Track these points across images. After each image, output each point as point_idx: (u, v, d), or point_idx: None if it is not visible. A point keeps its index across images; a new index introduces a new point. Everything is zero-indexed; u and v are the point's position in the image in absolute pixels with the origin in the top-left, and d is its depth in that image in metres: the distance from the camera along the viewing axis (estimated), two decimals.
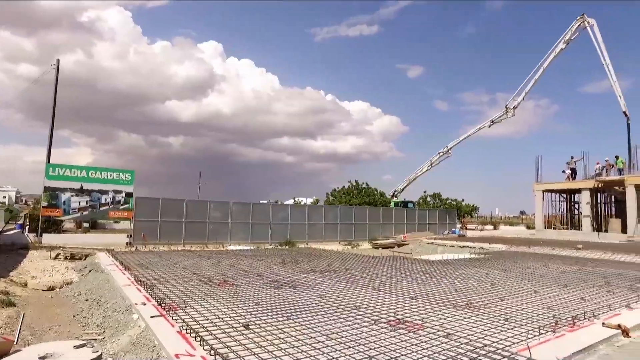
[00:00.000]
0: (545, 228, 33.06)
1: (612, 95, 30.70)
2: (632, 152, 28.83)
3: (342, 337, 5.09)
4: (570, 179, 32.15)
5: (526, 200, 35.15)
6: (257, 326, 5.55)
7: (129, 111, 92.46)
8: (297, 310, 6.53)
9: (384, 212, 29.04)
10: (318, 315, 6.22)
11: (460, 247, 21.06)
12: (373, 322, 5.83)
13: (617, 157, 29.28)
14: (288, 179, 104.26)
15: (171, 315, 5.99)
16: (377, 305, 6.97)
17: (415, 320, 5.97)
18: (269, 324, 5.63)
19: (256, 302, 7.03)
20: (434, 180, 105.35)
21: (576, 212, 33.95)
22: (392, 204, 40.07)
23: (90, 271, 11.65)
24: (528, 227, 46.33)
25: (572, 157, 32.69)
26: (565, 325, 5.77)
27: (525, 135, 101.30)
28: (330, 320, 5.92)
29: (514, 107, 36.23)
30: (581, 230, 30.67)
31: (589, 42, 32.08)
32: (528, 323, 5.89)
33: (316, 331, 5.33)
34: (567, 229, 32.86)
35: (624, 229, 27.04)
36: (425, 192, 45.91)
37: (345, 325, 5.62)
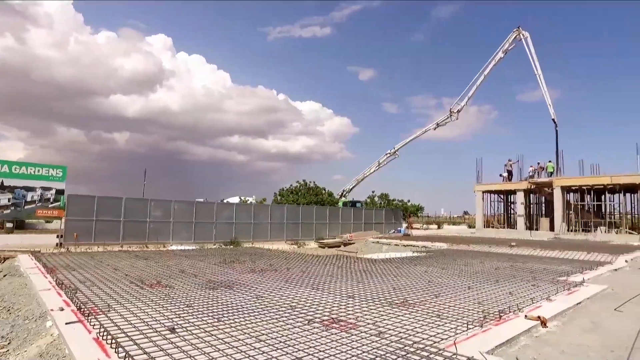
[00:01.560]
0: (484, 227, 34.83)
1: (544, 103, 32.97)
2: (559, 156, 31.09)
3: (273, 338, 4.93)
4: (507, 180, 34.11)
5: (469, 200, 36.85)
6: (184, 329, 5.25)
7: (68, 104, 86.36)
8: (230, 311, 6.28)
9: (331, 211, 29.20)
10: (251, 316, 6.01)
11: (404, 245, 21.60)
12: (307, 322, 5.71)
13: (550, 162, 31.44)
14: (240, 178, 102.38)
15: (90, 320, 5.53)
16: (314, 304, 6.87)
17: (350, 319, 5.92)
18: (197, 327, 5.35)
19: (187, 304, 6.69)
20: (382, 180, 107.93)
21: (512, 211, 36.08)
22: (340, 204, 40.48)
23: (5, 276, 10.62)
24: (469, 227, 48.63)
25: (509, 160, 34.73)
26: (492, 320, 5.97)
27: (468, 138, 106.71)
28: (263, 321, 5.73)
29: (458, 111, 37.91)
30: (516, 228, 32.62)
31: (527, 54, 34.20)
32: (459, 319, 6.04)
33: (246, 333, 5.13)
34: (504, 227, 34.84)
35: (552, 227, 29.08)
36: (373, 192, 46.89)
37: (277, 326, 5.46)
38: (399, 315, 6.18)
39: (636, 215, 30.47)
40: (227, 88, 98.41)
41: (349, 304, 6.99)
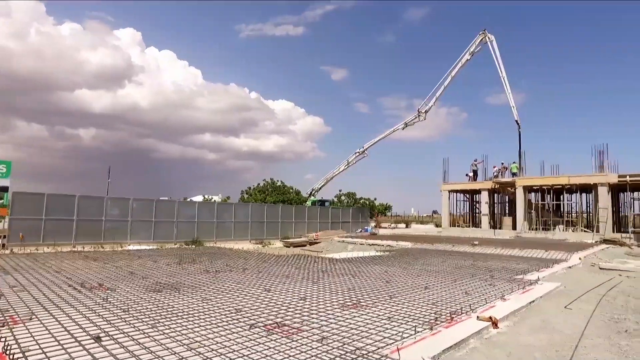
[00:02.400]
0: (451, 226, 35.33)
1: (509, 106, 33.70)
2: (522, 157, 31.87)
3: (205, 346, 4.54)
4: (473, 180, 34.72)
5: (439, 200, 37.22)
6: (111, 338, 4.79)
7: (29, 98, 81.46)
8: (168, 316, 5.84)
9: (297, 210, 28.80)
10: (189, 321, 5.60)
11: (369, 244, 21.51)
12: (249, 326, 5.35)
13: (514, 163, 32.14)
14: (211, 176, 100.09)
15: None
16: (261, 307, 6.52)
17: (295, 323, 5.61)
18: (126, 335, 4.90)
19: (124, 309, 6.20)
20: (353, 180, 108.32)
21: (478, 211, 36.77)
22: (309, 203, 40.17)
23: None
24: (437, 225, 49.32)
25: (475, 160, 35.32)
26: (443, 322, 5.79)
27: (438, 139, 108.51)
28: (201, 326, 5.34)
29: (426, 112, 38.26)
30: (481, 227, 33.24)
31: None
32: (409, 321, 5.83)
33: (178, 340, 4.72)
34: (470, 226, 35.46)
35: (515, 226, 29.77)
36: (340, 190, 46.76)
37: (215, 332, 5.08)
38: (348, 318, 5.91)
39: (591, 214, 31.65)
40: (198, 85, 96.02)
41: (298, 306, 6.68)
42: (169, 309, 6.29)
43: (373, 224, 40.56)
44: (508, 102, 33.93)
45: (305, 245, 24.42)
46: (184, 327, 5.29)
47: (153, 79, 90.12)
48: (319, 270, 11.20)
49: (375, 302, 7.13)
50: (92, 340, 4.69)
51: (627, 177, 24.58)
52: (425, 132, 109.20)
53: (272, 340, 4.80)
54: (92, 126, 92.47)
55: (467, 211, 37.83)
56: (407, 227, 50.57)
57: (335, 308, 6.58)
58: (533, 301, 7.65)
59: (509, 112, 33.73)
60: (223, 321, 5.61)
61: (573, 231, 27.49)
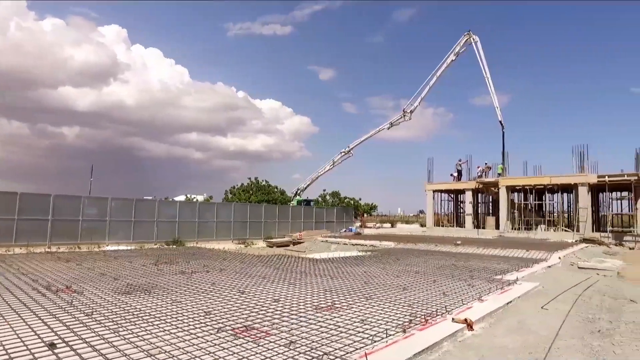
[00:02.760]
0: (435, 226, 35.47)
1: (494, 106, 33.95)
2: (506, 157, 32.17)
3: (166, 352, 4.32)
4: (457, 180, 34.92)
5: (425, 200, 37.35)
6: (67, 344, 4.53)
7: (9, 95, 79.25)
8: (133, 320, 5.58)
9: (281, 210, 28.51)
10: (155, 325, 5.36)
11: (353, 244, 21.40)
12: (216, 330, 5.14)
13: (500, 164, 32.33)
14: (197, 175, 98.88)
15: None
16: (232, 310, 6.31)
17: (265, 326, 5.41)
18: (84, 341, 4.65)
19: (88, 313, 5.92)
20: (340, 179, 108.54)
21: (462, 210, 37.01)
22: (294, 203, 39.94)
23: None
24: (422, 225, 49.54)
25: (459, 160, 35.53)
26: (417, 324, 5.66)
27: (425, 139, 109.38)
28: (165, 331, 5.11)
29: (411, 111, 38.35)
30: (465, 227, 33.44)
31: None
32: (382, 324, 5.68)
33: (138, 346, 4.49)
34: (454, 226, 35.65)
35: (497, 226, 30.01)
36: (324, 190, 46.57)
37: (179, 337, 4.85)
38: (320, 321, 5.74)
39: (572, 214, 32.10)
40: (185, 84, 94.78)
41: (270, 308, 6.48)
42: (135, 312, 6.03)
43: (358, 224, 40.50)
44: (493, 103, 34.24)
45: (288, 245, 24.20)
46: (148, 332, 5.05)
47: (139, 77, 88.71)
48: (297, 271, 11.01)
49: (351, 304, 6.97)
50: (46, 348, 4.43)
51: (606, 177, 24.95)
52: (413, 133, 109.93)
53: (237, 345, 4.60)
54: (76, 124, 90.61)
55: (452, 211, 38.08)
56: (392, 226, 50.68)
57: (309, 310, 6.41)
58: (510, 302, 7.60)
59: (494, 113, 34.04)
60: (190, 325, 5.39)
61: (554, 231, 27.83)
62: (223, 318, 5.77)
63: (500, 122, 33.50)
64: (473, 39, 35.47)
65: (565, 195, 31.89)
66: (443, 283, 9.25)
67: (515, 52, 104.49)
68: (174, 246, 20.62)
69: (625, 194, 29.75)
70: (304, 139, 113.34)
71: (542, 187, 28.80)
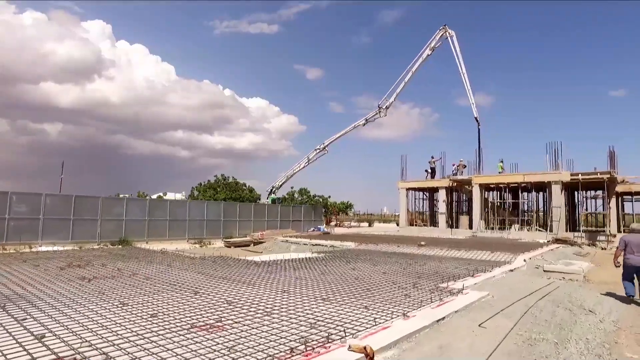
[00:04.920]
0: (409, 225, 34.37)
1: (478, 108, 32.95)
2: (481, 153, 31.23)
3: None
4: (430, 177, 33.86)
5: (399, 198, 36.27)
6: None
7: None
8: None
9: (243, 208, 26.92)
10: None
11: (312, 245, 20.04)
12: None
13: (501, 162, 31.18)
14: (183, 174, 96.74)
15: None
16: (73, 327, 4.86)
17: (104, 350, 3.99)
18: None
19: None
20: (319, 177, 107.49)
21: (437, 209, 35.96)
22: (269, 200, 38.50)
23: None
24: (398, 224, 48.56)
25: (432, 157, 34.46)
26: (298, 354, 4.32)
27: (409, 139, 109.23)
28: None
29: (386, 107, 37.21)
30: (438, 226, 32.39)
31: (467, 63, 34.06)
32: (258, 352, 4.33)
33: None
34: (429, 225, 34.59)
35: (471, 225, 29.02)
36: (292, 187, 45.04)
37: None
38: (182, 346, 4.34)
39: (546, 213, 31.32)
40: (171, 81, 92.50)
41: (145, 324, 5.05)
42: None
43: (333, 223, 39.26)
44: (477, 103, 33.27)
45: (248, 245, 22.76)
46: None
47: (124, 74, 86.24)
48: (218, 277, 9.59)
49: (242, 320, 5.60)
50: None
51: (580, 175, 24.13)
52: (398, 132, 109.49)
53: None
54: (58, 121, 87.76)
55: (427, 210, 37.06)
56: (369, 225, 49.63)
57: (181, 330, 5.01)
58: (444, 318, 6.30)
59: (479, 113, 32.98)
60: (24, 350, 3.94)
61: (528, 230, 26.90)
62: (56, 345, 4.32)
63: (476, 118, 32.57)
64: (449, 33, 34.47)
65: (540, 194, 31.09)
66: (376, 292, 7.93)
67: (500, 53, 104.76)
68: (120, 246, 19.02)
69: (599, 192, 29.02)
70: (291, 138, 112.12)
71: (517, 185, 27.89)
